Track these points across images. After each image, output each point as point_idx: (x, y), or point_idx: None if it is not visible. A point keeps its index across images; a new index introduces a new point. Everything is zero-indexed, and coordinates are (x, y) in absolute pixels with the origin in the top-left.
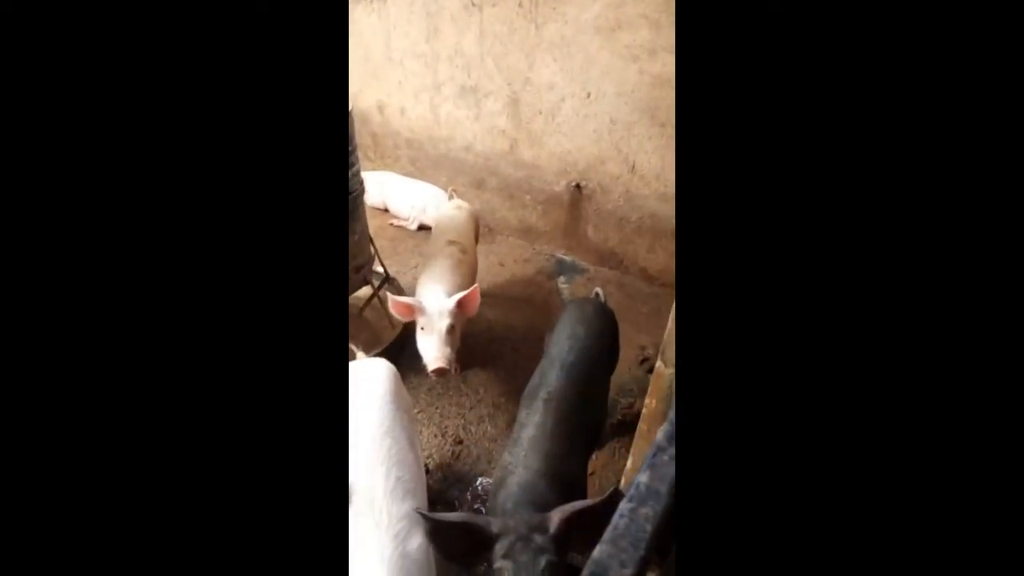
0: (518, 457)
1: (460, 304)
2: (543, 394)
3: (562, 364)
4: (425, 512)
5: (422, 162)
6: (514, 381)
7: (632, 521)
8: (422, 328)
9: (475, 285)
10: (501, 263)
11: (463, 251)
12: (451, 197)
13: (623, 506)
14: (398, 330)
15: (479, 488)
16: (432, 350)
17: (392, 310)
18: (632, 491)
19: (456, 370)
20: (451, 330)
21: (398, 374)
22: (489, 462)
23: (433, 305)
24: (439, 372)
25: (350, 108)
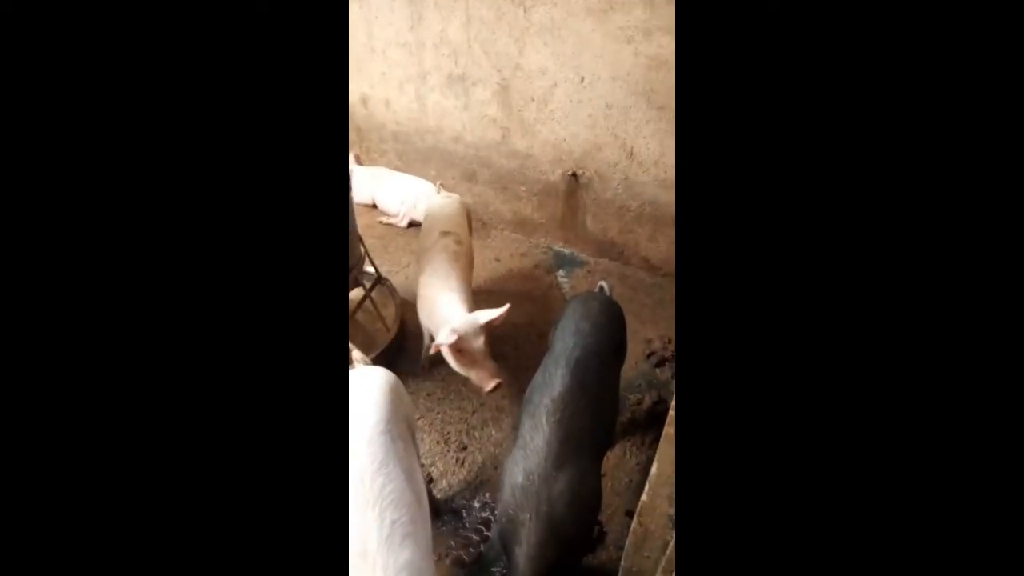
0: (524, 511)
1: (488, 324)
2: (547, 402)
3: (567, 362)
4: None
5: (410, 156)
6: (517, 382)
7: None
8: (460, 350)
9: (506, 307)
10: (497, 258)
11: (458, 241)
12: (439, 191)
13: None
14: (393, 332)
15: (486, 495)
16: (481, 371)
17: (433, 352)
18: None
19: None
20: (487, 343)
21: (398, 385)
22: (495, 467)
23: (466, 328)
24: (496, 388)
25: None
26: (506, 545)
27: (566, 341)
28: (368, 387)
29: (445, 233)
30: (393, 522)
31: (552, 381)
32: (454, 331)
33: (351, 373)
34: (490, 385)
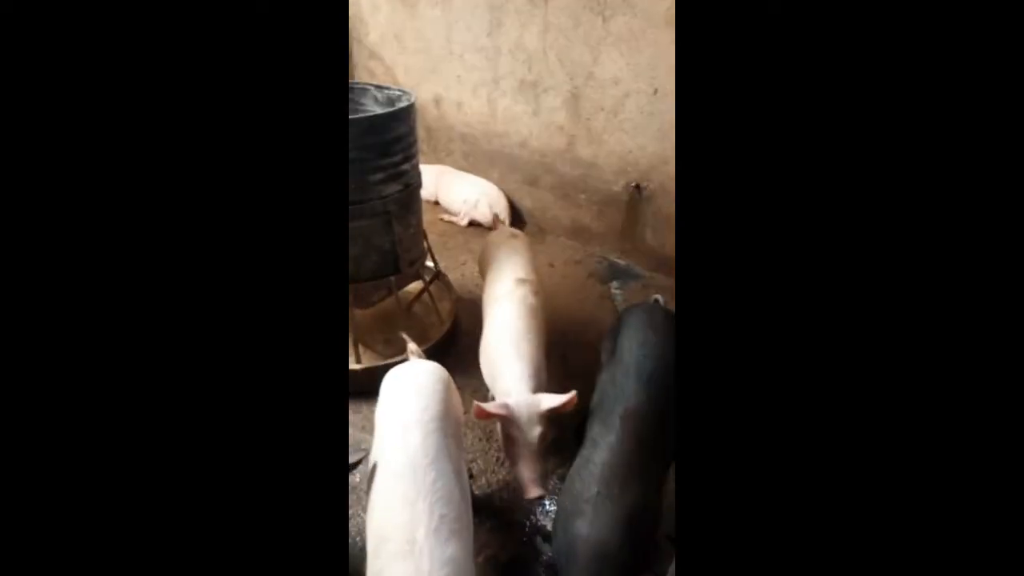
0: (589, 490)
1: (553, 409)
2: (620, 410)
3: (639, 374)
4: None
5: (475, 157)
6: (562, 389)
7: None
8: (509, 436)
9: (572, 393)
10: (551, 263)
11: (536, 292)
12: (497, 223)
13: None
14: (447, 326)
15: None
16: (526, 470)
17: (474, 415)
18: None
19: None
20: (543, 438)
21: (451, 382)
22: None
23: (522, 409)
24: (537, 499)
25: (412, 100)
26: (565, 524)
27: (635, 352)
28: (424, 381)
29: (521, 281)
30: (442, 516)
31: (624, 391)
32: (506, 406)
33: (407, 364)
34: (532, 494)
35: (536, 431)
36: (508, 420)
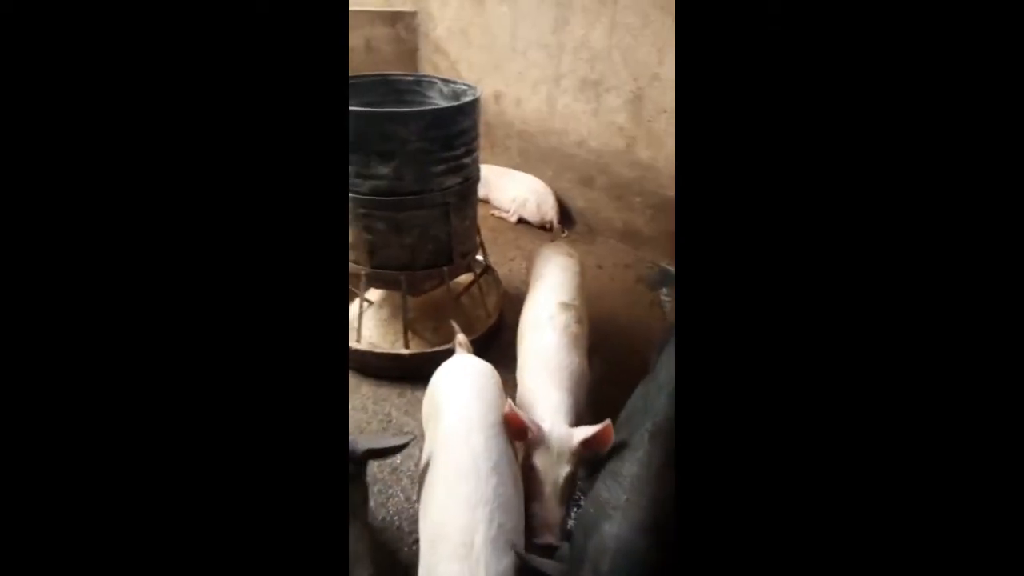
0: (617, 498)
1: (587, 442)
2: (648, 425)
3: (670, 393)
4: (524, 554)
5: (531, 154)
6: (606, 399)
7: None
8: (532, 467)
9: (606, 422)
10: (600, 265)
11: (580, 320)
12: (556, 233)
13: None
14: (493, 319)
15: None
16: (543, 511)
17: (505, 417)
18: None
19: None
20: (569, 479)
21: (501, 385)
22: None
23: (554, 439)
24: (547, 546)
25: (478, 95)
26: (590, 528)
27: (671, 370)
28: (484, 383)
29: (565, 306)
30: (500, 525)
31: (654, 408)
32: (539, 428)
33: (460, 360)
34: (544, 539)
35: (564, 469)
36: (536, 444)
